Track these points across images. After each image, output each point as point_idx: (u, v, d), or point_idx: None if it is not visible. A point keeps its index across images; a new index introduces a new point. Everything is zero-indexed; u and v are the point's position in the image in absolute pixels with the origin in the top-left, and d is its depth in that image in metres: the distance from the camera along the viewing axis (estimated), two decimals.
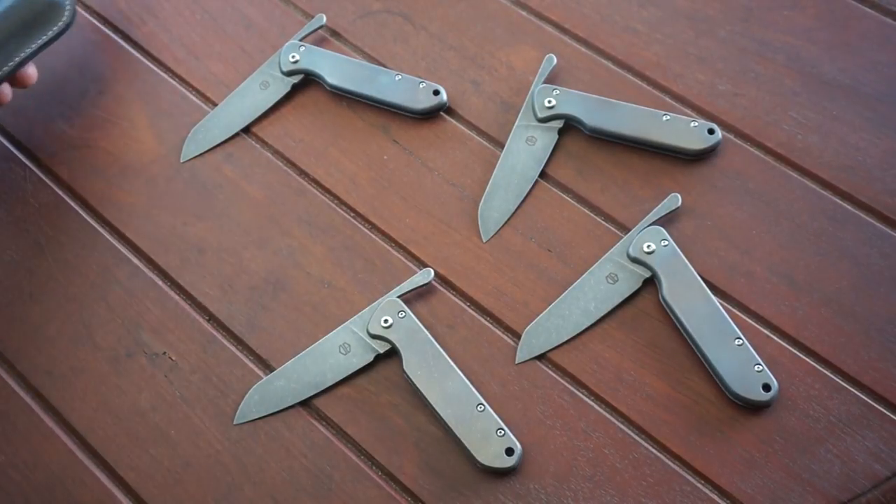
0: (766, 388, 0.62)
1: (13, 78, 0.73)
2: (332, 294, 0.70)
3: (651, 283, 0.68)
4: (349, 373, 0.66)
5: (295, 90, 0.79)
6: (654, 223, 0.69)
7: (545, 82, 0.75)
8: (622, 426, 0.63)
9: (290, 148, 0.76)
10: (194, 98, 0.79)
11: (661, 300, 0.66)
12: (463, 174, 0.74)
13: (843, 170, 0.71)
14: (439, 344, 0.66)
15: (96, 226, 0.74)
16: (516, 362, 0.66)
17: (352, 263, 0.71)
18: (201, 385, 0.67)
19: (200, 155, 0.77)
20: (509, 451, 0.62)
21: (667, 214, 0.69)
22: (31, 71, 0.75)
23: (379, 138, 0.76)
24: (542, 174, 0.73)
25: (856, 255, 0.68)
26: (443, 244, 0.71)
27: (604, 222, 0.71)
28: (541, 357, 0.66)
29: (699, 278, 0.67)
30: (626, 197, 0.72)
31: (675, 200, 0.70)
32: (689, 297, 0.66)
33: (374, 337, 0.66)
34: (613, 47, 0.79)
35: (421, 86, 0.77)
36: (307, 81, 0.79)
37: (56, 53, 0.81)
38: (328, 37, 0.82)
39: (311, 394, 0.66)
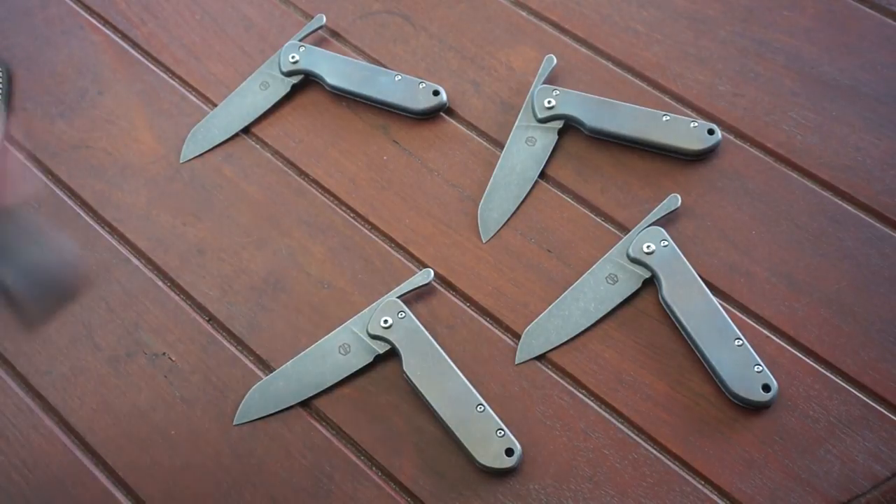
0: (766, 388, 0.62)
1: None
2: (331, 294, 0.70)
3: (651, 283, 0.68)
4: (349, 373, 0.66)
5: (295, 90, 0.78)
6: (653, 223, 0.69)
7: (545, 83, 0.75)
8: (622, 426, 0.63)
9: (289, 148, 0.76)
10: (194, 98, 0.79)
11: (661, 300, 0.66)
12: (463, 175, 0.74)
13: (843, 170, 0.71)
14: (439, 344, 0.66)
15: (96, 226, 0.74)
16: (516, 363, 0.66)
17: (352, 264, 0.71)
18: (201, 385, 0.67)
19: (200, 155, 0.77)
20: (509, 452, 0.62)
21: (666, 215, 0.69)
22: None
23: (379, 139, 0.76)
24: (542, 175, 0.73)
25: (856, 256, 0.68)
26: (442, 245, 0.71)
27: (604, 223, 0.71)
28: (541, 357, 0.66)
29: (699, 279, 0.67)
30: (625, 197, 0.72)
31: (674, 201, 0.70)
32: (688, 297, 0.66)
33: (373, 337, 0.66)
34: (613, 47, 0.79)
35: (421, 86, 0.77)
36: (307, 82, 0.79)
37: (56, 53, 0.81)
38: (328, 37, 0.82)
39: (311, 394, 0.66)
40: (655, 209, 0.70)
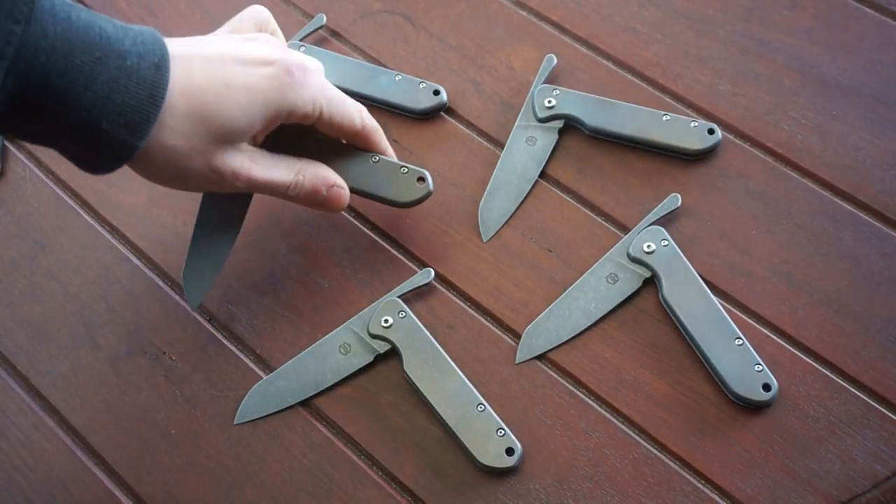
0: (766, 387, 0.62)
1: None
2: (332, 294, 0.70)
3: (651, 283, 0.68)
4: (349, 373, 0.66)
5: None
6: (654, 223, 0.69)
7: (545, 82, 0.76)
8: (622, 426, 0.63)
9: None
10: None
11: (661, 300, 0.66)
12: (463, 174, 0.74)
13: (843, 170, 0.71)
14: (439, 344, 0.66)
15: (96, 226, 0.74)
16: (516, 362, 0.66)
17: (352, 263, 0.71)
18: (201, 385, 0.67)
19: None
20: (509, 451, 0.62)
21: (667, 214, 0.69)
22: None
23: None
24: (543, 174, 0.73)
25: (855, 255, 0.68)
26: (443, 244, 0.71)
27: (604, 222, 0.71)
28: (541, 357, 0.66)
29: (699, 278, 0.67)
30: (626, 197, 0.72)
31: (675, 200, 0.70)
32: (689, 297, 0.66)
33: (374, 337, 0.66)
34: (613, 47, 0.79)
35: (421, 86, 0.77)
36: None
37: None
38: (328, 37, 0.82)
39: (312, 394, 0.66)
40: (656, 209, 0.70)
